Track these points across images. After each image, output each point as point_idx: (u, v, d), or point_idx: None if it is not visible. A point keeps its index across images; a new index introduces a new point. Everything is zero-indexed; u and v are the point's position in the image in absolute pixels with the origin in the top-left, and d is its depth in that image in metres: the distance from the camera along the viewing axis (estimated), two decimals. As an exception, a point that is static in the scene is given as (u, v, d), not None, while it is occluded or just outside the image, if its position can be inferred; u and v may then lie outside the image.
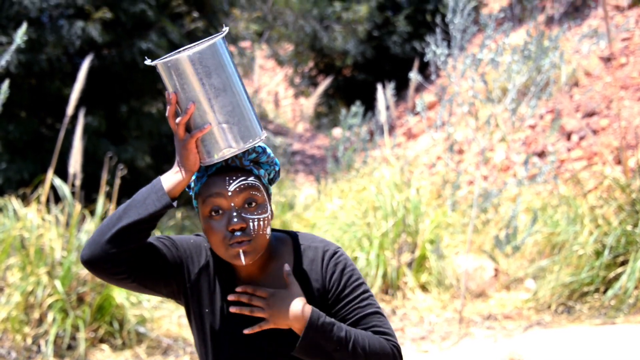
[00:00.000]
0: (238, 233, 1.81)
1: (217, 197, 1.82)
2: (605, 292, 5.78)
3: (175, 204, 1.81)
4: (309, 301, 1.87)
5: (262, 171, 1.90)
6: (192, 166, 1.80)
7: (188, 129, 1.80)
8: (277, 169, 1.94)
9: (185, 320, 6.36)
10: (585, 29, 11.05)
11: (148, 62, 1.84)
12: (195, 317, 1.92)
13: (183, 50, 1.80)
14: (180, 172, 1.80)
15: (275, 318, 1.81)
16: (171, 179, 1.81)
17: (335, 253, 1.92)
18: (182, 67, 1.77)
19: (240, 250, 1.80)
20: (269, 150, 1.92)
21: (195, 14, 9.80)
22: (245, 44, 16.63)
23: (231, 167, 1.86)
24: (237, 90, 1.81)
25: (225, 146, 1.80)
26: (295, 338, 1.84)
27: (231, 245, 1.81)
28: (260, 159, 1.90)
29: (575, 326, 5.52)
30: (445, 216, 7.08)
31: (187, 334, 5.83)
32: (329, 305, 1.89)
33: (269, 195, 1.90)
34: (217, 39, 1.79)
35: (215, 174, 1.86)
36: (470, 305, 6.26)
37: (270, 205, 1.89)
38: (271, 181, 1.94)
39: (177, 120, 1.78)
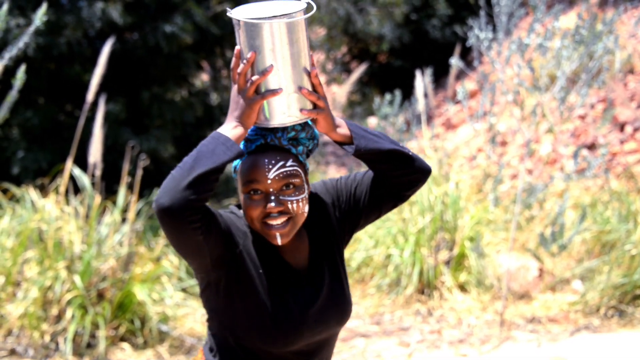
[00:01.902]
0: (275, 214, 1.98)
1: (255, 183, 1.98)
2: (660, 295, 5.71)
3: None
4: (332, 224, 2.18)
5: (300, 148, 2.06)
6: (250, 124, 1.96)
7: (257, 90, 1.94)
8: (316, 141, 2.10)
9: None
10: (641, 12, 10.87)
11: (242, 17, 1.92)
12: (246, 282, 2.02)
13: (265, 12, 1.91)
14: (240, 127, 1.94)
15: (327, 115, 2.00)
16: (233, 132, 1.94)
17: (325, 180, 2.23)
18: (275, 30, 1.90)
19: (277, 233, 1.98)
20: (310, 122, 2.05)
21: (222, -4, 9.84)
22: (274, 27, 16.65)
23: (269, 146, 2.02)
24: (307, 63, 1.96)
25: (288, 114, 1.95)
26: (339, 295, 2.11)
27: (268, 226, 1.99)
28: (299, 135, 2.04)
29: (627, 331, 5.46)
30: (487, 212, 7.04)
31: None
32: (349, 215, 2.18)
33: (306, 172, 2.07)
34: (312, 12, 1.97)
35: (254, 152, 2.02)
36: (512, 307, 6.22)
37: (307, 182, 2.06)
38: (309, 153, 2.10)
39: (253, 78, 1.92)
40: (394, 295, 6.51)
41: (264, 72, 1.91)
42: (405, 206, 6.99)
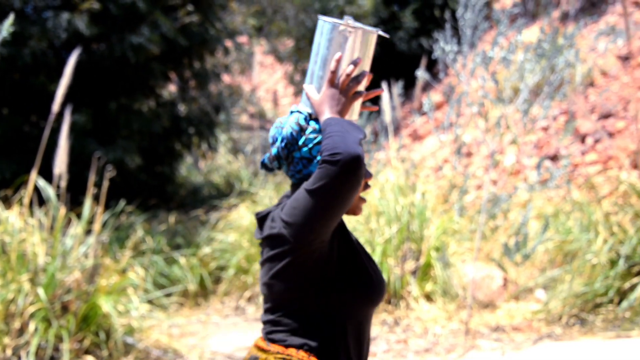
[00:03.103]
0: (366, 190, 2.31)
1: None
2: (619, 303, 5.78)
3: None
4: None
5: None
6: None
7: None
8: None
9: (176, 330, 6.37)
10: (602, 26, 11.06)
11: (369, 28, 2.20)
12: (351, 245, 2.19)
13: (349, 24, 2.18)
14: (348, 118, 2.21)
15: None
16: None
17: None
18: (372, 41, 2.21)
19: (362, 205, 2.24)
20: None
21: (190, 7, 9.82)
22: (242, 39, 16.67)
23: None
24: None
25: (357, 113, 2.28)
26: None
27: (363, 199, 2.22)
28: None
29: (588, 339, 5.52)
30: (452, 222, 7.08)
31: (177, 344, 5.83)
32: None
33: None
34: (378, 31, 2.23)
35: None
36: (477, 316, 6.26)
37: None
38: None
39: (360, 86, 2.18)
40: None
41: (363, 76, 2.18)
42: (372, 216, 7.01)
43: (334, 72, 2.17)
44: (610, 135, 9.10)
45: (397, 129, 12.04)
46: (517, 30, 5.99)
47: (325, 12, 15.05)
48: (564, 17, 12.18)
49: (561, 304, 5.98)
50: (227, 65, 12.91)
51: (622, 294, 5.81)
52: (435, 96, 11.86)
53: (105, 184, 5.80)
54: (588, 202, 6.98)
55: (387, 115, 9.35)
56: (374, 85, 13.45)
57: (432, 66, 13.35)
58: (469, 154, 10.35)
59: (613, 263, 5.90)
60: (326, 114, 2.15)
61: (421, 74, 6.91)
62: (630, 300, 5.62)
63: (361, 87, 2.21)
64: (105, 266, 5.79)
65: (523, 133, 9.04)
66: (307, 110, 2.20)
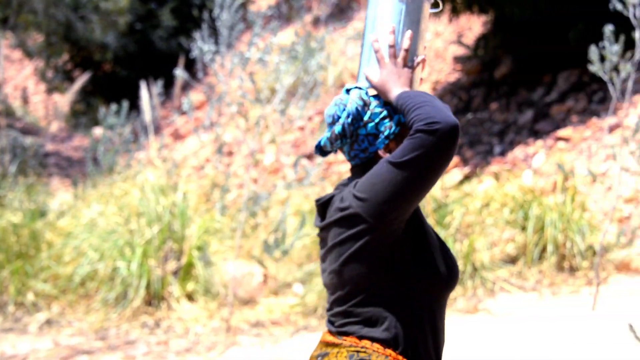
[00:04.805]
0: None
1: None
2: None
3: None
4: None
5: None
6: None
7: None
8: None
9: None
10: (350, 31, 11.72)
11: None
12: (426, 227, 2.05)
13: None
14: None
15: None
16: None
17: None
18: (427, 11, 2.13)
19: None
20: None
21: None
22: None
23: None
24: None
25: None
26: None
27: None
28: None
29: (341, 328, 5.82)
30: (214, 221, 7.11)
31: None
32: None
33: None
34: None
35: None
36: (238, 313, 6.35)
37: None
38: None
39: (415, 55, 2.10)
40: (121, 309, 6.33)
41: (418, 49, 2.11)
42: (132, 217, 6.84)
43: (393, 46, 2.07)
44: (361, 135, 9.68)
45: (157, 129, 11.85)
46: (272, 32, 6.16)
47: (78, 7, 14.42)
48: (316, 22, 12.74)
49: (316, 297, 6.25)
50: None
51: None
52: (196, 96, 11.84)
53: None
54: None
55: (147, 115, 9.18)
56: (132, 84, 13.15)
57: (191, 65, 13.30)
58: (230, 153, 10.47)
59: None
60: (395, 89, 2.03)
61: (179, 73, 6.86)
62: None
63: (419, 58, 2.12)
64: None
65: (281, 132, 9.33)
66: (366, 85, 2.08)
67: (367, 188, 1.93)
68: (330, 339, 2.03)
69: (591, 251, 6.41)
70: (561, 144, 8.03)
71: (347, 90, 2.09)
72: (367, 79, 2.07)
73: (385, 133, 2.04)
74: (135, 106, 12.04)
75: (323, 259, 2.07)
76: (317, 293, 6.26)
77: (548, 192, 6.95)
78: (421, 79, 2.18)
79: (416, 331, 2.00)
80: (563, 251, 6.44)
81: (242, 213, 6.16)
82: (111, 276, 6.55)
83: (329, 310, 2.07)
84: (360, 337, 1.98)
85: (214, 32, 8.07)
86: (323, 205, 2.07)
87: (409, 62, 2.08)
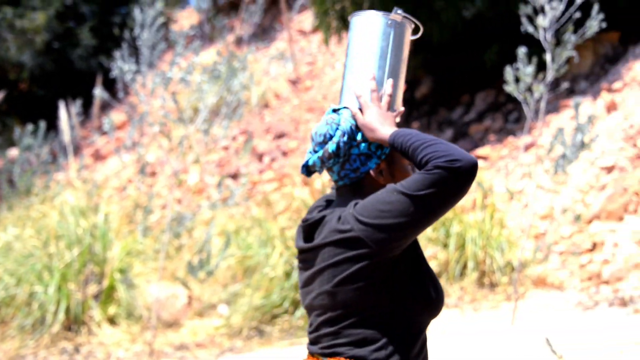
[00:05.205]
0: None
1: None
2: (294, 312, 6.16)
3: None
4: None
5: None
6: None
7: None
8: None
9: None
10: (273, 51, 11.78)
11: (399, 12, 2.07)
12: (418, 249, 2.04)
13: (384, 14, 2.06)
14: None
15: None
16: None
17: None
18: (406, 32, 2.10)
19: None
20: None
21: None
22: None
23: None
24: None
25: None
26: None
27: None
28: None
29: (265, 349, 5.79)
30: (137, 243, 6.99)
31: None
32: None
33: None
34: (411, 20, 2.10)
35: None
36: (162, 336, 6.24)
37: None
38: None
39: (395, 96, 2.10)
40: (38, 335, 6.13)
41: (400, 79, 2.12)
42: (51, 240, 6.65)
43: (376, 91, 2.07)
44: (284, 154, 9.69)
45: (77, 149, 11.58)
46: (194, 51, 6.13)
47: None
48: (239, 41, 12.74)
49: (242, 318, 6.21)
50: None
51: (296, 304, 6.20)
52: (117, 115, 11.65)
53: None
54: (266, 218, 7.35)
55: (65, 135, 8.97)
56: (50, 103, 12.84)
57: (112, 85, 13.09)
58: (153, 174, 10.33)
59: (288, 275, 6.27)
60: (384, 128, 2.01)
61: (99, 92, 6.74)
62: (303, 310, 6.02)
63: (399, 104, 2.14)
64: None
65: (205, 152, 9.26)
66: (354, 106, 2.06)
67: (373, 214, 1.91)
68: None
69: (510, 267, 6.58)
70: (480, 162, 8.26)
71: (334, 110, 2.09)
72: (353, 116, 2.08)
73: (378, 153, 2.05)
74: (53, 126, 11.75)
75: (309, 280, 2.03)
76: (242, 314, 6.22)
77: (468, 209, 7.11)
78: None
79: (407, 352, 1.99)
80: (483, 267, 6.60)
81: (165, 234, 6.07)
82: (28, 301, 6.35)
83: (313, 331, 2.04)
84: (349, 358, 1.96)
85: (135, 51, 7.98)
86: (311, 226, 2.05)
87: (391, 108, 2.09)
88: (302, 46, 11.47)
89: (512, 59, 6.41)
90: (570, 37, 5.67)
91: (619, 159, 7.11)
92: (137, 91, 6.18)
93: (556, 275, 6.48)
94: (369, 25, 2.06)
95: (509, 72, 5.85)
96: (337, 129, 2.04)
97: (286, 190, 8.77)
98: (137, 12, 6.24)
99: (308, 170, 2.09)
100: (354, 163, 2.03)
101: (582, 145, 5.56)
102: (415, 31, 2.14)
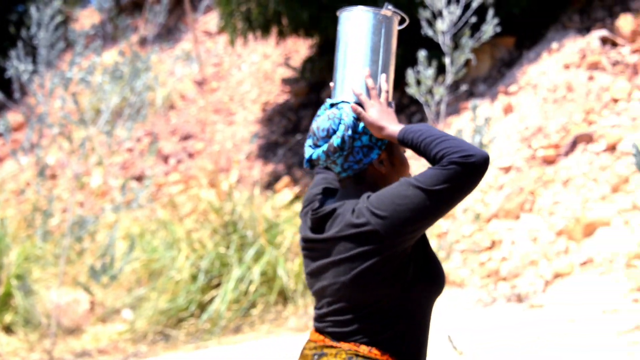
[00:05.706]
0: None
1: None
2: (200, 315, 6.10)
3: None
4: None
5: None
6: None
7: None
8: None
9: None
10: (178, 52, 11.62)
11: (390, 7, 2.11)
12: (424, 240, 2.09)
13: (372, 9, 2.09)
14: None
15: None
16: None
17: None
18: (394, 26, 2.14)
19: None
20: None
21: None
22: None
23: None
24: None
25: None
26: None
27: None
28: None
29: (170, 353, 5.71)
30: (35, 248, 6.76)
31: None
32: None
33: None
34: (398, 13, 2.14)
35: None
36: (63, 343, 6.06)
37: None
38: None
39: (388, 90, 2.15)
40: None
41: (390, 70, 2.17)
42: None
43: (373, 89, 2.12)
44: (190, 156, 9.58)
45: (-28, 151, 11.10)
46: (95, 51, 5.98)
47: None
48: (143, 42, 12.50)
49: (147, 322, 6.10)
50: None
51: (203, 307, 6.13)
52: (13, 117, 11.24)
53: None
54: (172, 221, 7.24)
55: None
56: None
57: (7, 85, 12.61)
58: (53, 176, 10.01)
59: (194, 278, 6.20)
60: (392, 126, 2.07)
61: (-6, 92, 6.49)
62: (210, 312, 5.96)
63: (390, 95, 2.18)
64: None
65: (108, 154, 9.04)
66: (352, 99, 2.09)
67: (389, 207, 1.98)
68: (326, 340, 2.06)
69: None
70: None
71: (332, 105, 2.13)
72: (355, 107, 2.11)
73: (378, 144, 2.11)
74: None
75: (321, 270, 2.08)
76: (147, 318, 6.11)
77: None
78: None
79: (412, 336, 2.08)
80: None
81: (66, 238, 5.90)
82: None
83: (323, 316, 2.09)
84: (359, 343, 2.03)
85: (33, 51, 7.72)
86: (322, 217, 2.10)
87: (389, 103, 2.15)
88: (208, 47, 11.36)
89: (414, 61, 6.54)
90: (468, 41, 5.83)
91: (516, 160, 7.37)
92: (35, 91, 5.98)
93: (457, 274, 6.66)
94: (360, 20, 2.13)
95: (410, 75, 5.97)
96: (339, 123, 2.10)
97: (192, 192, 8.67)
98: (33, 10, 6.04)
99: (312, 164, 2.16)
100: (357, 155, 2.10)
101: (481, 147, 5.74)
102: (401, 22, 2.20)
